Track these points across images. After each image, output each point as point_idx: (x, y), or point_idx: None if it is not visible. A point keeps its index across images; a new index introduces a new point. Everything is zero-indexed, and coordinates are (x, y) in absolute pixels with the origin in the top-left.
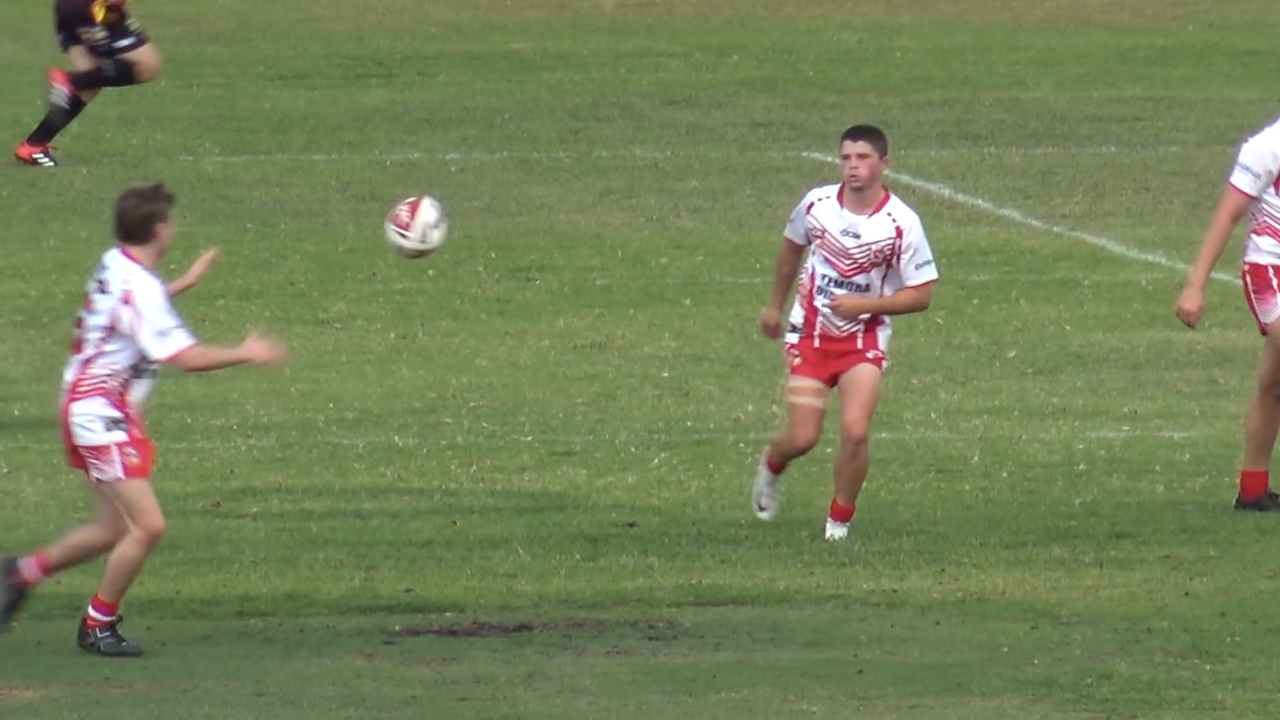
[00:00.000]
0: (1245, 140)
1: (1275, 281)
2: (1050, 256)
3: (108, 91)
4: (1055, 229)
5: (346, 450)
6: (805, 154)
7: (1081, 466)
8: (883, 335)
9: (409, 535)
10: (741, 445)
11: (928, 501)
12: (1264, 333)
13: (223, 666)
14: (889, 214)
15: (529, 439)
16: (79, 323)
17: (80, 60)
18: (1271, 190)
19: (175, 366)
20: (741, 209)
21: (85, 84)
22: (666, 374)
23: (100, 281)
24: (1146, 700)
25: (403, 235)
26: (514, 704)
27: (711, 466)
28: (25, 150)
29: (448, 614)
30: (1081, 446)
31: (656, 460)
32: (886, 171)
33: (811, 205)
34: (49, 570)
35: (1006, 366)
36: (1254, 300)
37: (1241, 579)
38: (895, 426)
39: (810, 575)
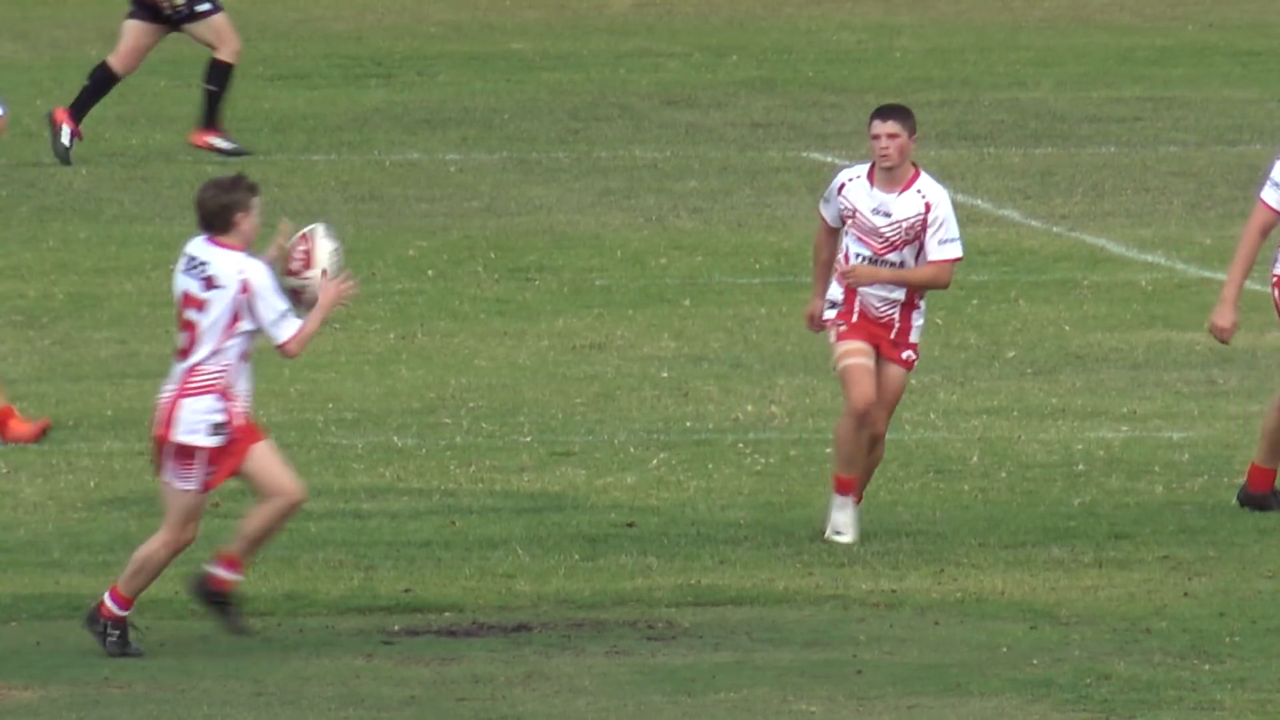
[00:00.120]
0: (1277, 156)
1: None
2: (1049, 257)
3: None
4: (1055, 229)
5: (345, 450)
6: (805, 154)
7: (1080, 467)
8: (916, 326)
9: (408, 535)
10: (740, 446)
11: (927, 502)
12: None
13: (222, 666)
14: (918, 190)
15: (528, 439)
16: (186, 326)
17: (128, 36)
18: None
19: (286, 352)
20: (741, 209)
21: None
22: (665, 374)
23: (206, 279)
24: (1145, 700)
25: (304, 280)
26: (513, 704)
27: (710, 467)
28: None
29: (447, 614)
30: (1080, 447)
31: (655, 461)
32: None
33: (843, 186)
34: (235, 565)
35: (1005, 367)
36: None
37: (1240, 579)
38: (894, 427)
39: (809, 575)
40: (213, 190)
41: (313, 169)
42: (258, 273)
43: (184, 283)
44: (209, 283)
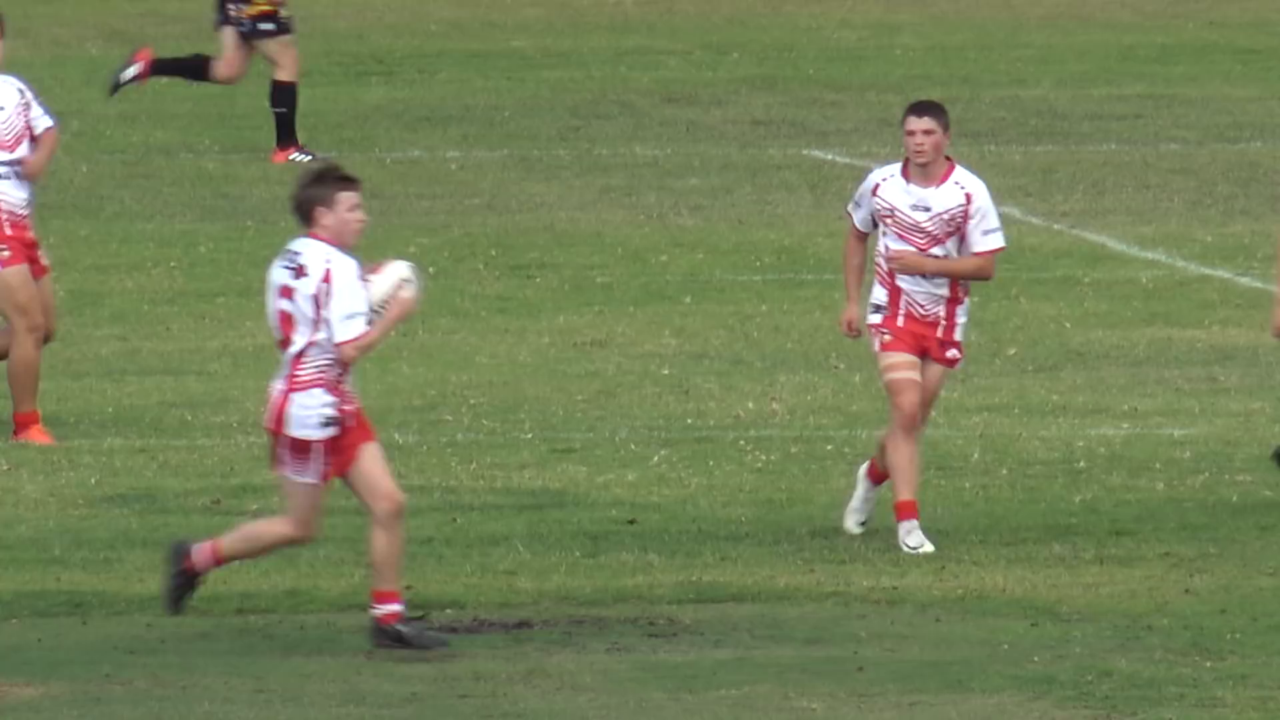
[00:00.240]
0: None
1: None
2: (1050, 254)
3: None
4: (1055, 226)
5: None
6: (805, 152)
7: (1082, 464)
8: (961, 323)
9: (409, 532)
10: (741, 442)
11: (928, 499)
12: None
13: (223, 663)
14: (956, 182)
15: (529, 436)
16: (282, 318)
17: (228, 41)
18: None
19: (342, 353)
20: (741, 207)
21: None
22: (666, 371)
23: (296, 267)
24: (1147, 697)
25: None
26: (514, 701)
27: (711, 464)
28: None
29: (448, 611)
30: (1082, 444)
31: (656, 457)
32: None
33: (877, 186)
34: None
35: (1007, 364)
36: None
37: (1242, 576)
38: None
39: (810, 572)
40: (297, 184)
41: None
42: (343, 267)
43: (278, 274)
44: (299, 271)
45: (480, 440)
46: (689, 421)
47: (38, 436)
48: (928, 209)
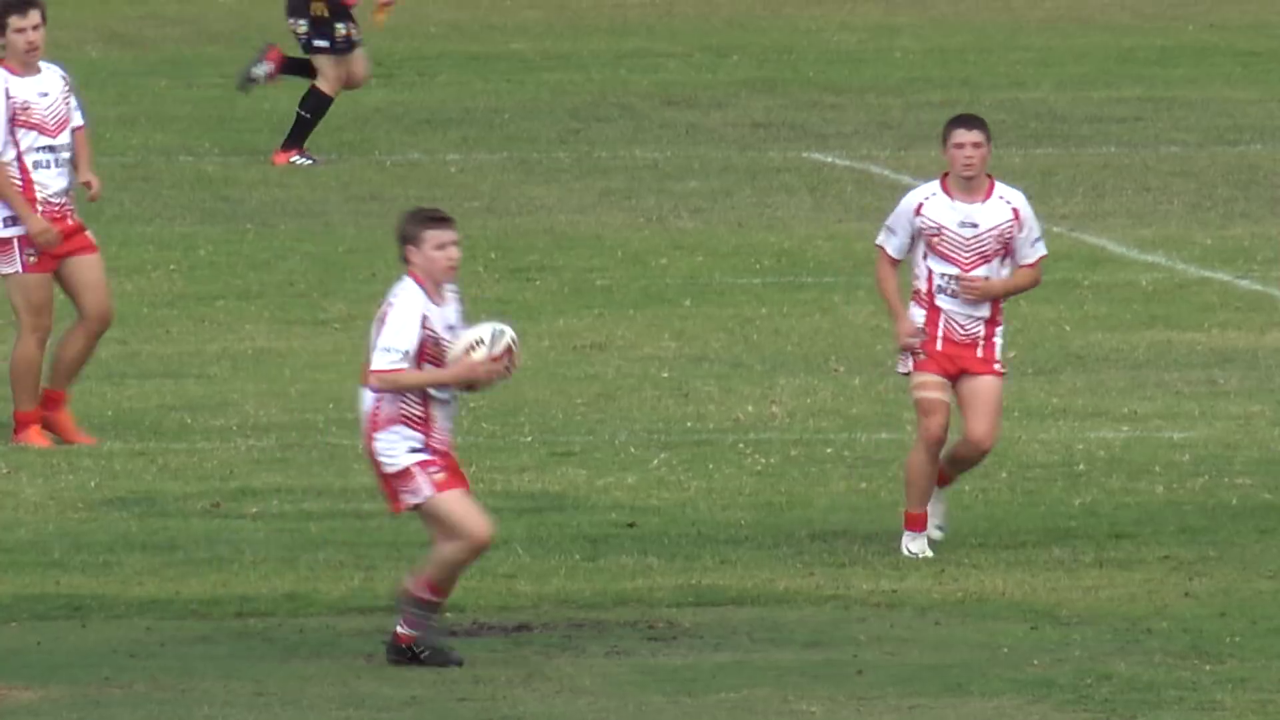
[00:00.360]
0: None
1: None
2: (1050, 257)
3: (108, 91)
4: (1055, 229)
5: (346, 451)
6: (805, 154)
7: (1081, 467)
8: (999, 341)
9: (409, 536)
10: (741, 445)
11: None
12: None
13: (222, 667)
14: (1000, 197)
15: (529, 439)
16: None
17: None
18: None
19: (373, 384)
20: (741, 209)
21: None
22: (666, 374)
23: (383, 304)
24: (1146, 701)
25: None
26: (513, 704)
27: (711, 467)
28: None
29: (447, 614)
30: (1081, 447)
31: (656, 461)
32: (886, 171)
33: (920, 206)
34: (436, 590)
35: (1006, 367)
36: None
37: (1241, 579)
38: (895, 427)
39: (810, 576)
40: (397, 221)
41: (313, 169)
42: (403, 303)
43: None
44: (382, 304)
45: (480, 443)
46: (688, 424)
47: (37, 438)
48: (975, 225)
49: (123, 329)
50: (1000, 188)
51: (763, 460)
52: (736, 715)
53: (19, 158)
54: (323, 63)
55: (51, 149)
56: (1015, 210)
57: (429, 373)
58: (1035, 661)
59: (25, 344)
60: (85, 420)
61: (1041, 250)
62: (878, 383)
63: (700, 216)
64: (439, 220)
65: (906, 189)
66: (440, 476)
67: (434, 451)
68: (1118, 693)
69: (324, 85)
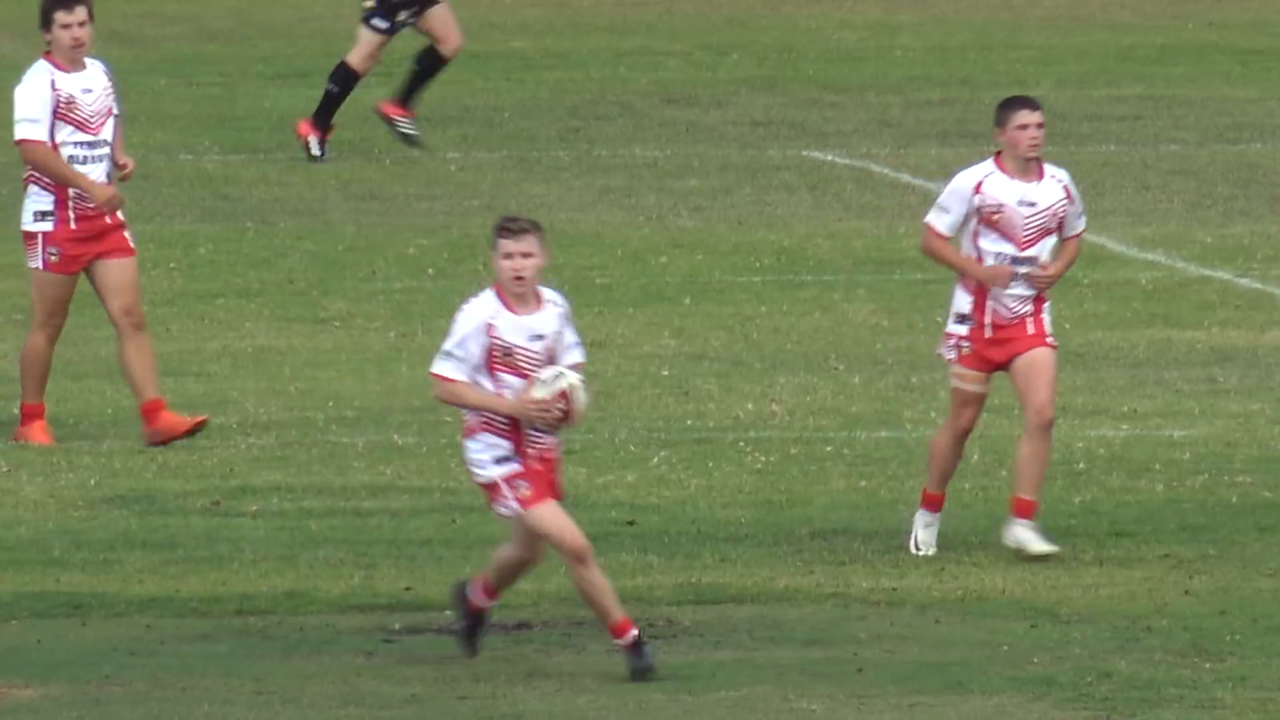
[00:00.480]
0: None
1: None
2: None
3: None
4: None
5: (346, 449)
6: (805, 153)
7: (1081, 465)
8: (1046, 316)
9: (409, 534)
10: (741, 444)
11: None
12: None
13: (222, 665)
14: (1053, 177)
15: None
16: None
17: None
18: None
19: (432, 390)
20: (741, 208)
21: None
22: (666, 372)
23: None
24: (1146, 699)
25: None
26: (514, 702)
27: (711, 465)
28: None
29: (448, 612)
30: (1081, 445)
31: (656, 459)
32: (886, 170)
33: (980, 184)
34: (492, 594)
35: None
36: None
37: (1241, 577)
38: (895, 425)
39: (810, 574)
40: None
41: (313, 168)
42: (466, 305)
43: None
44: None
45: None
46: (688, 423)
47: (38, 435)
48: (1033, 204)
49: None
50: (1049, 168)
51: (762, 458)
52: (736, 713)
53: (54, 150)
54: (368, 38)
55: (90, 144)
56: (1066, 188)
57: (484, 397)
58: (1035, 659)
59: (35, 338)
60: (85, 419)
61: (1084, 223)
62: (877, 381)
63: (700, 215)
64: (506, 230)
65: (907, 187)
66: (527, 492)
67: (525, 457)
68: (1118, 691)
69: (354, 59)
